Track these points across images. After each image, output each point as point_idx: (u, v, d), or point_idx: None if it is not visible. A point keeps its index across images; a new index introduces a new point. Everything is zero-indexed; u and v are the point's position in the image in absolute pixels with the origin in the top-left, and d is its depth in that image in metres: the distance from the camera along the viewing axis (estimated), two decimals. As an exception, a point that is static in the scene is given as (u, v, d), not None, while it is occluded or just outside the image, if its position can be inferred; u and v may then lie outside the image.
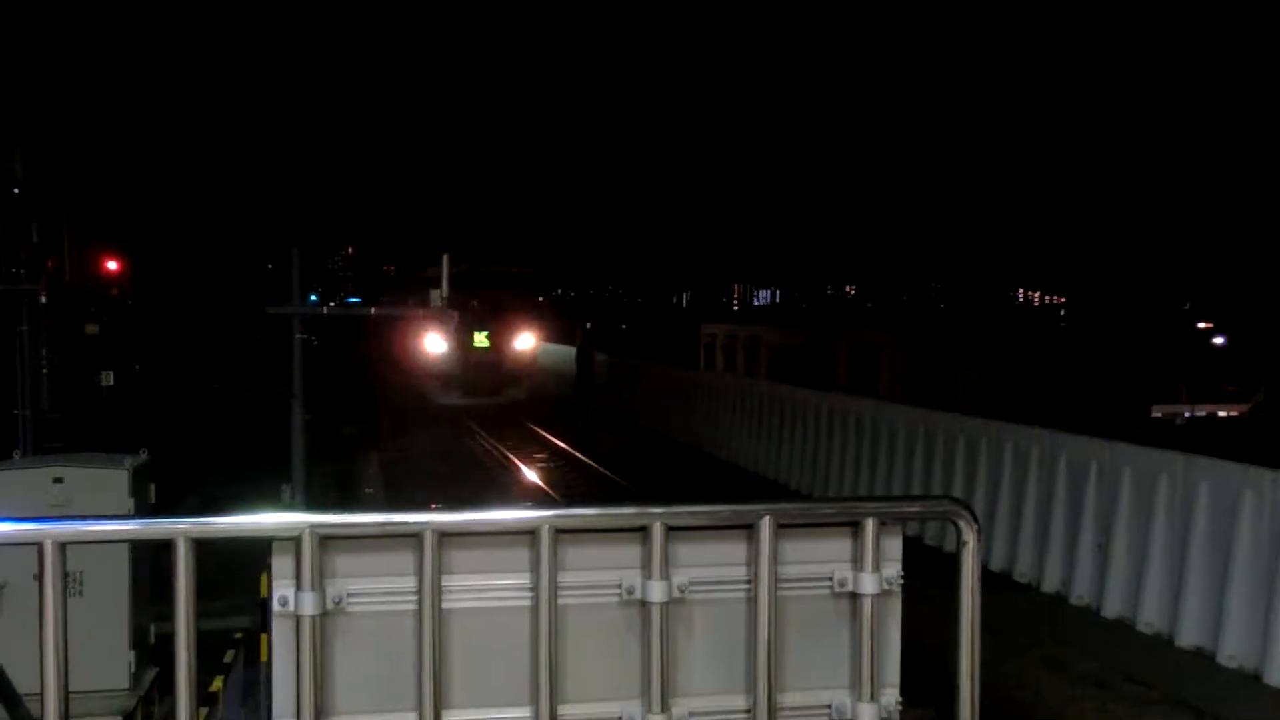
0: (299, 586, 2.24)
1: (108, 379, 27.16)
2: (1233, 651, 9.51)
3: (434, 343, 30.03)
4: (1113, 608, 11.12)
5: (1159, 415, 33.98)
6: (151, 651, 8.24)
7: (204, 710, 7.56)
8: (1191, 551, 10.12)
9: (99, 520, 2.44)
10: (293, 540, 2.24)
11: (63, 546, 2.14)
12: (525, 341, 32.95)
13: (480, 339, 31.41)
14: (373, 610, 2.33)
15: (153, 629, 8.20)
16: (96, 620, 7.46)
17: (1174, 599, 10.30)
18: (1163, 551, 10.54)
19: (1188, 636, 10.11)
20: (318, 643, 2.25)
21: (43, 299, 19.82)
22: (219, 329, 52.99)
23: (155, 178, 49.31)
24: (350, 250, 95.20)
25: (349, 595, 2.31)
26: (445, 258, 15.61)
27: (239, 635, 9.12)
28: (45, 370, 20.27)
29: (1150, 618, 10.60)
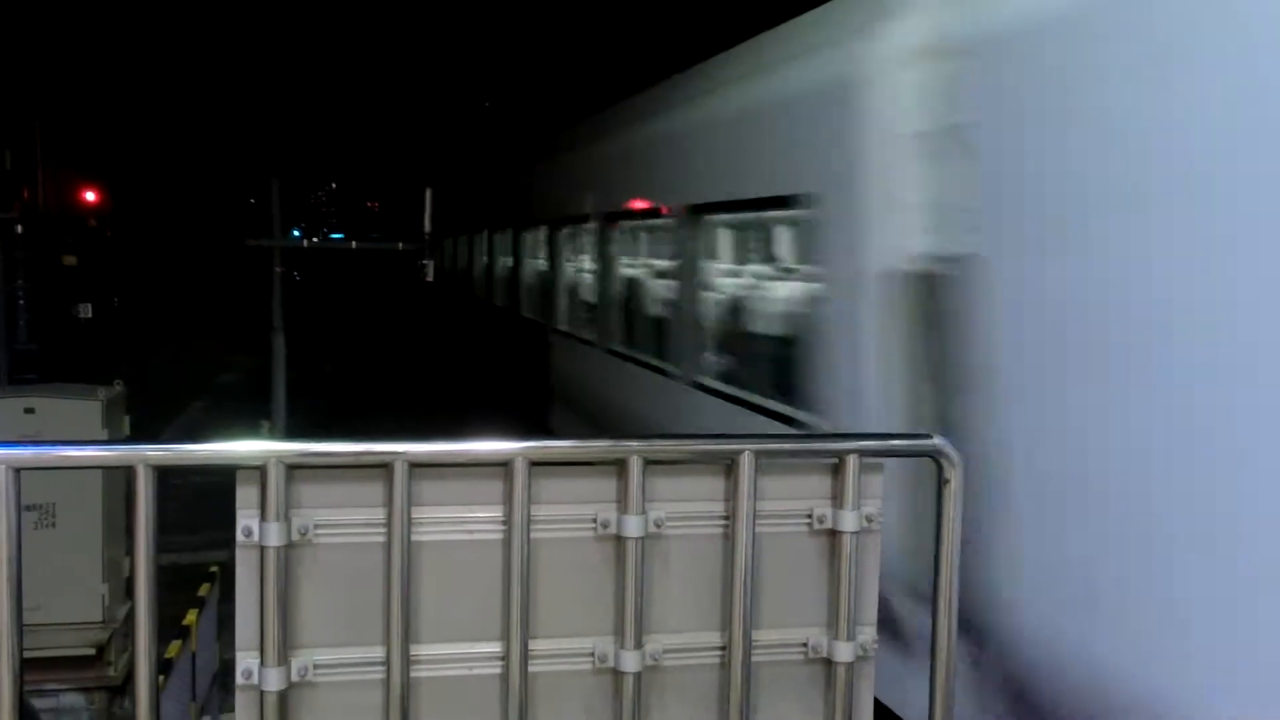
0: (264, 517, 2.17)
1: (86, 311, 26.95)
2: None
3: None
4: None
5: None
6: (126, 585, 8.23)
7: (177, 643, 7.56)
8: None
9: (57, 445, 2.36)
10: (258, 469, 2.17)
11: (18, 472, 2.06)
12: None
13: None
14: (341, 542, 2.27)
15: (127, 562, 8.17)
16: (69, 553, 7.42)
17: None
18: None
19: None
20: (283, 575, 2.19)
21: (18, 228, 19.55)
22: (202, 262, 52.57)
23: (136, 107, 48.45)
24: (334, 185, 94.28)
25: (316, 526, 2.24)
26: (429, 192, 15.28)
27: (214, 569, 9.11)
28: (21, 301, 20.05)
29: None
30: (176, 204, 58.16)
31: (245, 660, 2.20)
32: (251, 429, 14.45)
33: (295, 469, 2.20)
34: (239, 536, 2.20)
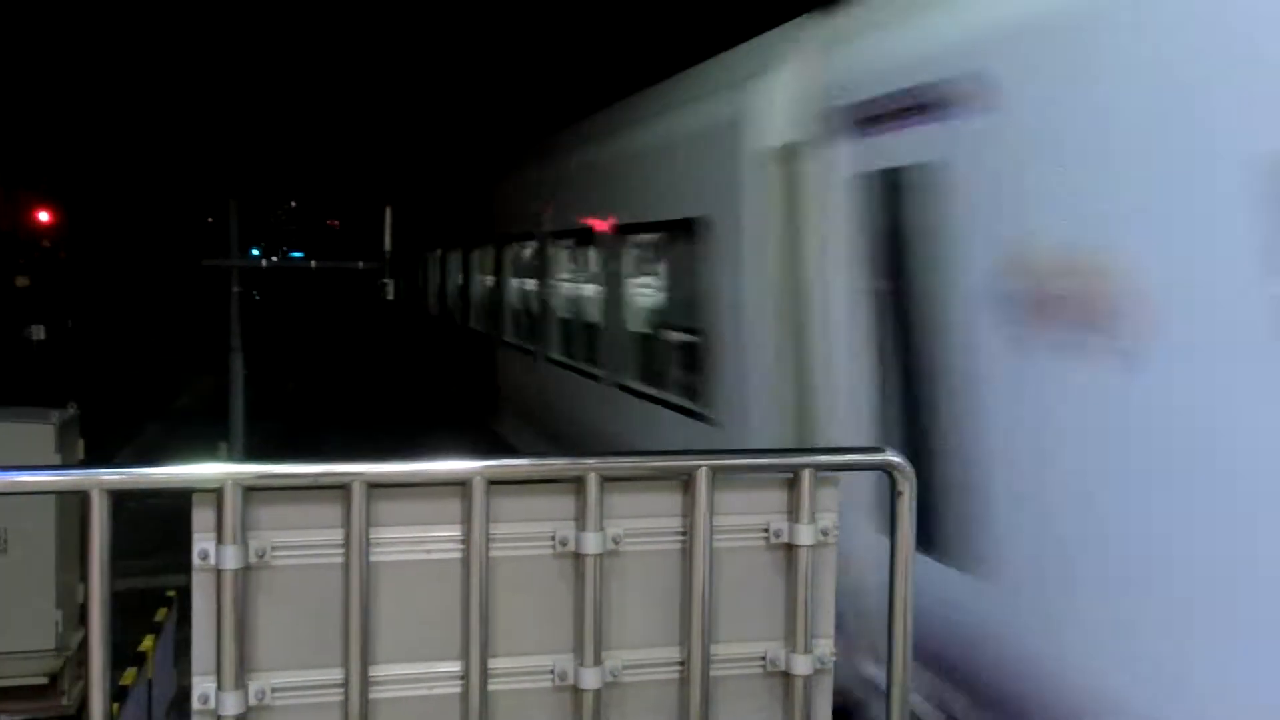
0: (220, 540, 2.16)
1: (39, 333, 26.53)
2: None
3: None
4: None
5: None
6: (80, 612, 8.08)
7: (133, 670, 7.42)
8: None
9: (9, 471, 2.33)
10: (214, 492, 2.16)
11: None
12: None
13: None
14: (298, 564, 2.26)
15: (81, 588, 8.03)
16: (21, 579, 7.29)
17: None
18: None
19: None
20: (240, 597, 2.18)
21: (-32, 249, 19.20)
22: (159, 283, 51.88)
23: (90, 127, 47.79)
24: (294, 204, 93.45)
25: (273, 548, 2.23)
26: (388, 210, 15.22)
27: (171, 593, 8.97)
28: (-29, 323, 19.69)
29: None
30: (132, 224, 57.36)
31: (202, 685, 2.19)
32: (209, 451, 14.26)
33: (252, 491, 2.19)
34: (195, 560, 2.19)
